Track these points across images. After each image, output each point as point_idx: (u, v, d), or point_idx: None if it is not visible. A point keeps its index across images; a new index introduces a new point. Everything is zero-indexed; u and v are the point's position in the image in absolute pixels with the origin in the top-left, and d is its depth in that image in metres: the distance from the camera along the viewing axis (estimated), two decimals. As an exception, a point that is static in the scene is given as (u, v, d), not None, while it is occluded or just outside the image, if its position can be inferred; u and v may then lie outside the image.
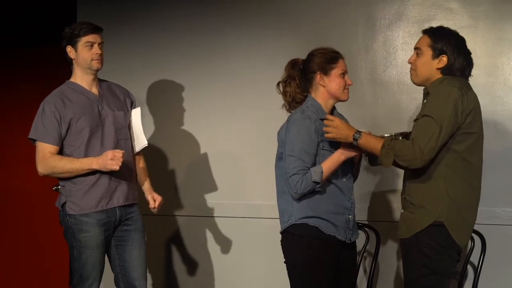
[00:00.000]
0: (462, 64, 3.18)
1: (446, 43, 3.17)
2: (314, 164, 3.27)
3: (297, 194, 3.23)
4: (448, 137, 3.07)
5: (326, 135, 3.22)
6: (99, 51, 3.60)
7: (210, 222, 4.53)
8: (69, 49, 3.61)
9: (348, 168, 3.38)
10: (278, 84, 3.46)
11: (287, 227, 3.30)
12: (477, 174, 3.20)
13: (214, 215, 4.51)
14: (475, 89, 3.98)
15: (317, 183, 3.21)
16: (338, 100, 3.38)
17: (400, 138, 3.21)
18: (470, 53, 3.23)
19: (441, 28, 3.25)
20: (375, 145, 3.14)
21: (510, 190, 3.95)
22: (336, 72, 3.33)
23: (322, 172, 3.22)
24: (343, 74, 3.35)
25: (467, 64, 3.21)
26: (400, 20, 4.15)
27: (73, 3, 4.76)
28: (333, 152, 3.29)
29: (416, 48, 3.26)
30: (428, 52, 3.19)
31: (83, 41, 3.57)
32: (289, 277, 3.34)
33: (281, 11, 4.37)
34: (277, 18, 4.37)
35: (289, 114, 3.41)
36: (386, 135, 3.24)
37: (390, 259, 4.16)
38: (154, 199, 3.75)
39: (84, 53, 3.58)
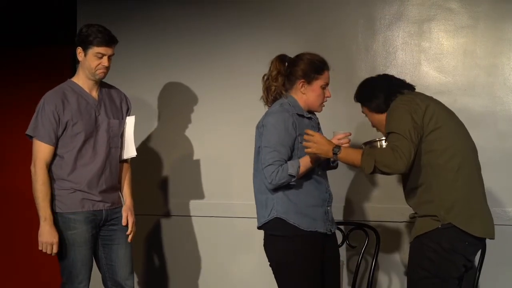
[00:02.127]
0: (389, 96, 3.32)
1: (375, 101, 3.35)
2: (290, 157, 3.28)
3: (272, 185, 3.24)
4: (418, 139, 3.15)
5: (306, 150, 3.24)
6: (106, 64, 3.60)
7: (207, 222, 4.52)
8: (79, 50, 3.60)
9: (323, 162, 3.40)
10: (265, 79, 3.44)
11: (268, 221, 3.30)
12: (468, 161, 3.24)
13: (211, 215, 4.51)
14: (475, 89, 4.01)
15: (292, 176, 3.22)
16: (312, 111, 3.41)
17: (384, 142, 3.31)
18: (391, 79, 3.40)
19: (360, 90, 3.42)
20: (355, 156, 3.20)
21: (510, 190, 3.95)
22: (318, 83, 3.36)
23: (299, 166, 3.23)
24: (325, 86, 3.38)
25: (400, 87, 3.37)
26: (400, 20, 4.15)
27: (73, 3, 4.76)
28: None
29: (365, 114, 3.46)
30: (374, 116, 3.38)
31: (94, 50, 3.56)
32: (276, 278, 3.35)
33: (281, 12, 4.37)
34: (277, 19, 4.37)
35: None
36: (377, 139, 3.34)
37: (390, 259, 4.16)
38: (127, 219, 3.73)
39: (91, 61, 3.58)
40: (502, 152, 3.97)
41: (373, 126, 3.45)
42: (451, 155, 3.19)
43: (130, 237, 3.73)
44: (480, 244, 3.27)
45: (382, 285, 4.20)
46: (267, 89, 3.43)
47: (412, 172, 3.23)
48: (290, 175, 3.22)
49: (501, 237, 3.90)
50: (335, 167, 3.55)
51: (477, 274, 3.76)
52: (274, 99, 3.42)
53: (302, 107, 3.38)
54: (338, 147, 3.21)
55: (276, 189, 3.26)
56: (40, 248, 3.54)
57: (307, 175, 3.30)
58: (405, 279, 4.10)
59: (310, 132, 3.25)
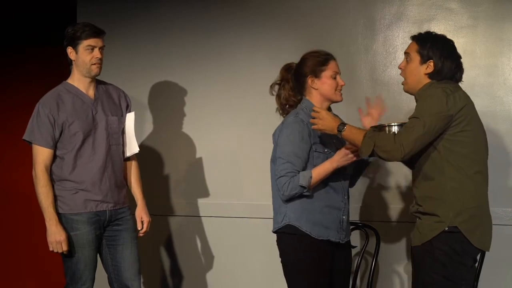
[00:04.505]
0: (450, 69, 3.19)
1: (432, 48, 3.19)
2: (304, 168, 3.27)
3: (284, 196, 3.25)
4: (433, 134, 3.07)
5: (312, 126, 3.24)
6: (99, 55, 3.60)
7: (208, 222, 4.53)
8: (69, 49, 3.61)
9: (345, 169, 3.37)
10: (271, 86, 3.51)
11: (280, 227, 3.33)
12: (483, 170, 3.19)
13: (212, 215, 4.51)
14: (475, 89, 4.00)
15: (303, 187, 3.22)
16: (332, 101, 3.41)
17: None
18: (459, 57, 3.23)
19: (427, 34, 3.27)
20: (358, 136, 3.16)
21: (510, 190, 3.95)
22: (327, 74, 3.36)
23: (310, 177, 3.22)
24: (335, 75, 3.38)
25: (457, 68, 3.21)
26: (400, 20, 4.15)
27: (73, 3, 4.76)
28: (326, 154, 3.32)
29: (405, 53, 3.29)
30: (416, 58, 3.21)
31: (85, 44, 3.57)
32: (285, 276, 3.37)
33: (281, 12, 4.37)
34: (277, 19, 4.37)
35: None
36: (394, 124, 3.24)
37: (390, 259, 4.16)
38: (142, 220, 3.77)
39: (84, 56, 3.59)
40: (502, 152, 3.97)
41: (400, 68, 3.29)
42: (472, 161, 3.13)
43: (140, 234, 3.77)
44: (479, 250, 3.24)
45: (382, 285, 4.20)
46: (277, 96, 3.50)
47: (427, 164, 3.14)
48: (301, 186, 3.21)
49: (501, 237, 3.91)
50: (366, 163, 3.53)
51: (477, 274, 3.76)
52: (287, 107, 3.45)
53: (321, 106, 3.37)
54: (343, 124, 3.20)
55: (289, 199, 3.26)
56: (50, 249, 3.54)
57: (323, 183, 3.29)
58: (405, 279, 4.11)
59: (316, 109, 3.26)
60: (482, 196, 3.19)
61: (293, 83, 3.45)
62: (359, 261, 4.03)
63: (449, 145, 3.10)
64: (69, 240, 3.54)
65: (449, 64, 3.19)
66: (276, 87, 3.52)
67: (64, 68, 3.79)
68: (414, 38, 3.27)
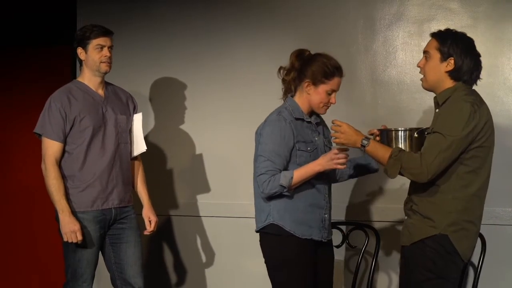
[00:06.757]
0: (469, 67, 3.12)
1: (453, 45, 3.11)
2: (286, 166, 3.26)
3: (264, 194, 3.25)
4: (457, 154, 3.02)
5: (333, 140, 3.20)
6: (108, 54, 3.66)
7: (209, 221, 4.53)
8: (79, 50, 3.68)
9: (331, 172, 3.37)
10: (280, 70, 3.43)
11: (264, 226, 3.31)
12: (485, 186, 3.17)
13: (214, 215, 4.51)
14: (475, 89, 4.00)
15: (283, 187, 3.20)
16: (315, 112, 3.39)
17: (416, 134, 3.19)
18: (479, 55, 3.17)
19: (448, 31, 3.20)
20: (383, 154, 3.10)
21: (510, 190, 3.95)
22: (325, 87, 3.30)
23: (291, 178, 3.20)
24: (331, 92, 3.32)
25: (475, 66, 3.14)
26: (400, 20, 4.15)
27: (73, 3, 4.76)
28: (309, 153, 3.30)
29: (424, 52, 3.21)
30: (436, 56, 3.13)
31: (94, 43, 3.64)
32: (269, 276, 3.36)
33: (281, 12, 4.37)
34: (278, 19, 4.37)
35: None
36: (400, 129, 3.23)
37: (390, 259, 4.16)
38: (149, 220, 3.80)
39: (93, 55, 3.65)
40: (502, 152, 3.97)
41: (419, 66, 3.22)
42: (477, 176, 3.09)
43: (146, 232, 3.81)
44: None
45: (382, 285, 4.20)
46: (282, 81, 3.42)
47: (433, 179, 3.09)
48: (281, 185, 3.20)
49: (501, 237, 3.92)
50: (374, 170, 3.55)
51: (477, 274, 3.77)
52: (287, 91, 3.41)
53: (304, 108, 3.36)
54: (367, 139, 3.13)
55: (270, 197, 3.26)
56: (65, 239, 3.55)
57: (307, 181, 3.27)
58: (405, 279, 4.12)
59: (337, 122, 3.20)
60: (479, 211, 3.17)
61: (296, 74, 3.36)
62: (359, 261, 4.03)
63: (462, 157, 3.06)
64: (83, 230, 3.56)
65: (469, 62, 3.12)
66: (282, 71, 3.42)
67: (65, 68, 3.81)
68: (434, 35, 3.19)
